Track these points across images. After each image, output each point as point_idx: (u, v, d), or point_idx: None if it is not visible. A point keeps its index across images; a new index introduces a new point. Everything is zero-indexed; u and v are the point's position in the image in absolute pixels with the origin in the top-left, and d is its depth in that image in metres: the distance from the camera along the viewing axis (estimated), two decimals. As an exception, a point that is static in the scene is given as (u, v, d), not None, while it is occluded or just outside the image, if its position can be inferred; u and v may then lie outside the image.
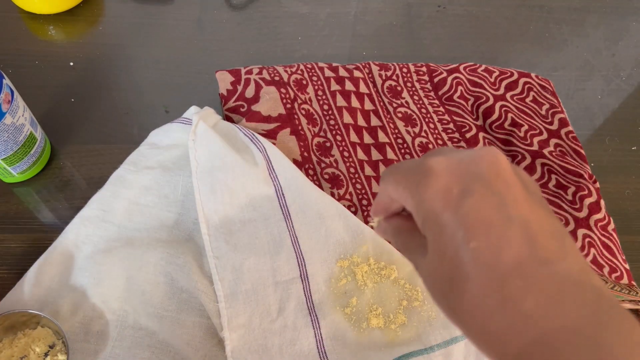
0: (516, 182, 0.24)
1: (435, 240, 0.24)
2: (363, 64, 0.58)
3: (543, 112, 0.57)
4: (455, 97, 0.57)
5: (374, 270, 0.45)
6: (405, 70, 0.59)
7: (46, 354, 0.41)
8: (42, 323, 0.42)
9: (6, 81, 0.45)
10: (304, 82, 0.56)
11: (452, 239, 0.23)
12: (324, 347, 0.42)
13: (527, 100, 0.58)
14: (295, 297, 0.44)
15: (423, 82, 0.59)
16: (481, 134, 0.55)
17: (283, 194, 0.47)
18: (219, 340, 0.43)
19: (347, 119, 0.54)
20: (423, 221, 0.25)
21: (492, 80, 0.58)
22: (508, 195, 0.23)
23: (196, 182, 0.47)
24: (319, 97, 0.55)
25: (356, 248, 0.45)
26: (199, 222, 0.46)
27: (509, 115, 0.55)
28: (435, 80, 0.59)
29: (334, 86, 0.56)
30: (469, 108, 0.57)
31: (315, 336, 0.42)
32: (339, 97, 0.55)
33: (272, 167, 0.48)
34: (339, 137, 0.53)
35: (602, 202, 0.50)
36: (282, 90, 0.54)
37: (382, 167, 0.52)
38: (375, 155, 0.53)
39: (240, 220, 0.46)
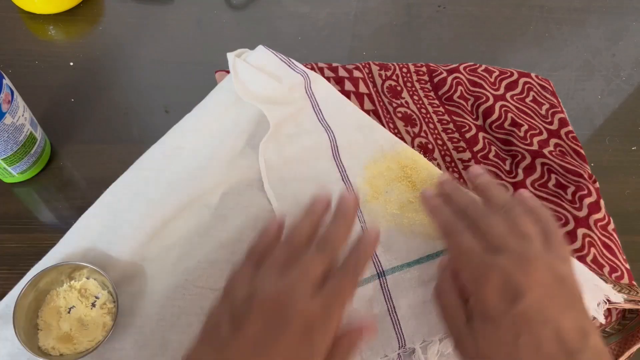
0: (555, 287, 0.34)
1: (490, 331, 0.34)
2: (363, 64, 0.58)
3: (543, 112, 0.57)
4: (455, 97, 0.57)
5: (412, 172, 0.48)
6: (405, 70, 0.59)
7: (93, 304, 0.43)
8: (87, 275, 0.44)
9: (6, 81, 0.45)
10: (304, 82, 0.56)
11: (506, 333, 0.33)
12: None
13: (527, 100, 0.58)
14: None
15: (423, 82, 0.59)
16: (481, 134, 0.55)
17: (320, 109, 0.52)
18: None
19: (347, 118, 0.54)
20: (480, 312, 0.35)
21: (492, 80, 0.58)
22: (546, 301, 0.33)
23: (246, 109, 0.51)
24: (319, 97, 0.55)
25: (395, 152, 0.49)
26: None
27: (509, 115, 0.55)
28: (435, 80, 0.59)
29: (334, 86, 0.56)
30: (469, 108, 0.57)
31: (363, 230, 0.45)
32: (339, 97, 0.56)
33: (310, 85, 0.53)
34: (339, 137, 0.53)
35: (602, 202, 0.50)
36: (282, 90, 0.54)
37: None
38: (375, 155, 0.53)
39: (287, 134, 0.51)
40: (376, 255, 0.45)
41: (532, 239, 0.37)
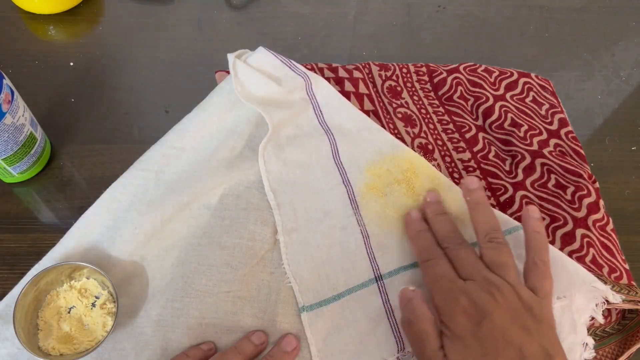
0: (521, 313, 0.36)
1: (459, 350, 0.36)
2: (363, 64, 0.58)
3: (543, 112, 0.57)
4: (455, 97, 0.57)
5: (412, 176, 0.48)
6: (405, 70, 0.59)
7: (93, 304, 0.43)
8: (87, 275, 0.44)
9: (6, 81, 0.45)
10: (304, 82, 0.56)
11: (473, 352, 0.35)
12: (370, 242, 0.45)
13: (527, 100, 0.58)
14: (340, 200, 0.47)
15: (423, 82, 0.59)
16: (481, 134, 0.55)
17: (321, 111, 0.52)
18: (257, 262, 0.45)
19: (347, 118, 0.54)
20: (450, 332, 0.37)
21: (492, 80, 0.58)
22: (511, 324, 0.35)
23: (246, 110, 0.51)
24: (319, 97, 0.55)
25: (395, 156, 0.49)
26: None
27: (509, 115, 0.55)
28: (435, 80, 0.59)
29: (334, 87, 0.56)
30: (469, 108, 0.57)
31: (362, 232, 0.46)
32: (338, 97, 0.56)
33: (311, 86, 0.52)
34: (338, 137, 0.53)
35: (601, 202, 0.50)
36: (282, 90, 0.54)
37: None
38: (375, 155, 0.53)
39: (287, 136, 0.50)
40: (374, 258, 0.45)
41: (506, 268, 0.39)
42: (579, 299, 0.41)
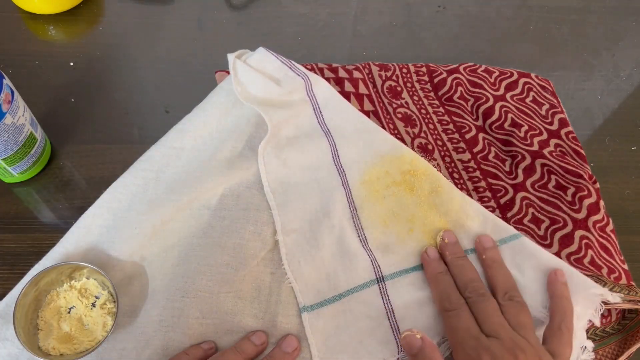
0: None
1: None
2: (363, 65, 0.58)
3: (543, 113, 0.57)
4: (455, 97, 0.57)
5: (411, 178, 0.48)
6: (405, 70, 0.59)
7: (93, 304, 0.43)
8: (87, 275, 0.44)
9: (6, 81, 0.45)
10: (304, 82, 0.56)
11: None
12: (369, 243, 0.46)
13: (527, 100, 0.58)
14: (339, 201, 0.47)
15: (423, 82, 0.59)
16: (481, 135, 0.55)
17: (321, 112, 0.52)
18: (257, 262, 0.45)
19: (347, 119, 0.54)
20: None
21: (492, 80, 0.58)
22: None
23: (246, 110, 0.51)
24: (319, 97, 0.55)
25: (394, 157, 0.49)
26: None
27: (509, 115, 0.55)
28: (435, 80, 0.59)
29: (334, 87, 0.56)
30: (469, 108, 0.57)
31: (361, 233, 0.46)
32: (338, 97, 0.56)
33: (311, 87, 0.52)
34: (338, 137, 0.53)
35: (602, 203, 0.50)
36: (282, 90, 0.54)
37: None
38: (375, 155, 0.53)
39: (287, 137, 0.50)
40: (376, 260, 0.45)
41: (527, 329, 0.39)
42: (577, 305, 0.41)
